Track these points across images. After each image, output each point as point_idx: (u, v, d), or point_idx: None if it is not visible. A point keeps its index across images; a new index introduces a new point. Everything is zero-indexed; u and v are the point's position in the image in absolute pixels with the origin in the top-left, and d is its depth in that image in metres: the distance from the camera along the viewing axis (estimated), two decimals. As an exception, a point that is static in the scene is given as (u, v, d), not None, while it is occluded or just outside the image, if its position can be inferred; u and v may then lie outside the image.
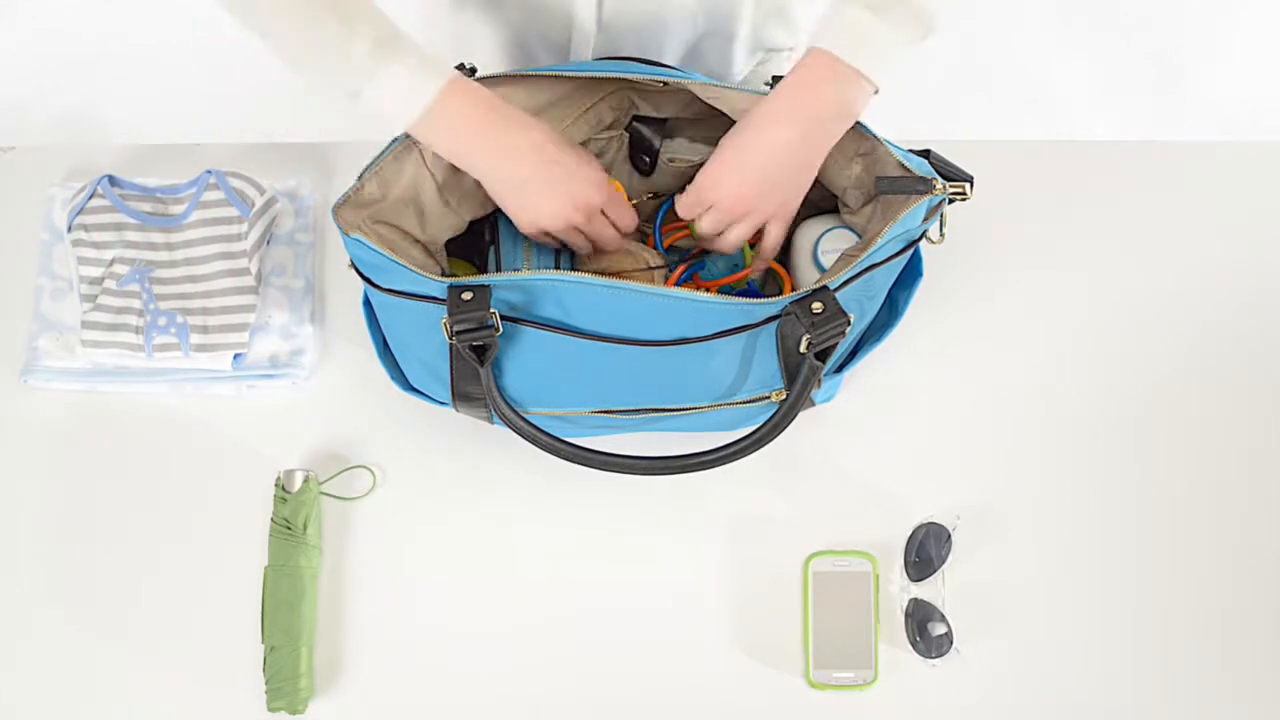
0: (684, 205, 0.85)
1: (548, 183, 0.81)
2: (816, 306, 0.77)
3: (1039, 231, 1.02)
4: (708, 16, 0.94)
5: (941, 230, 0.84)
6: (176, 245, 0.99)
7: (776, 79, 0.84)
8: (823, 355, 0.79)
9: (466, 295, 0.77)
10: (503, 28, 0.97)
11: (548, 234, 0.84)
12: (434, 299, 0.79)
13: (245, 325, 0.96)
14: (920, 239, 0.85)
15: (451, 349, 0.82)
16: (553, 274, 0.78)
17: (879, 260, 0.82)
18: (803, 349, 0.78)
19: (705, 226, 0.84)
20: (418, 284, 0.79)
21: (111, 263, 0.97)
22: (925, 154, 0.84)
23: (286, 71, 0.76)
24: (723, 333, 0.79)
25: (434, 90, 0.76)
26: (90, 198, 0.98)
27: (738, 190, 0.81)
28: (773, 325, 0.80)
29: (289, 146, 1.04)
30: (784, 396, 0.82)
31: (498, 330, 0.77)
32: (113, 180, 0.99)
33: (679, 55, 0.98)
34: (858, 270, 0.80)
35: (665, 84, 0.86)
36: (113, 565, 0.93)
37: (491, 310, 0.77)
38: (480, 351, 0.79)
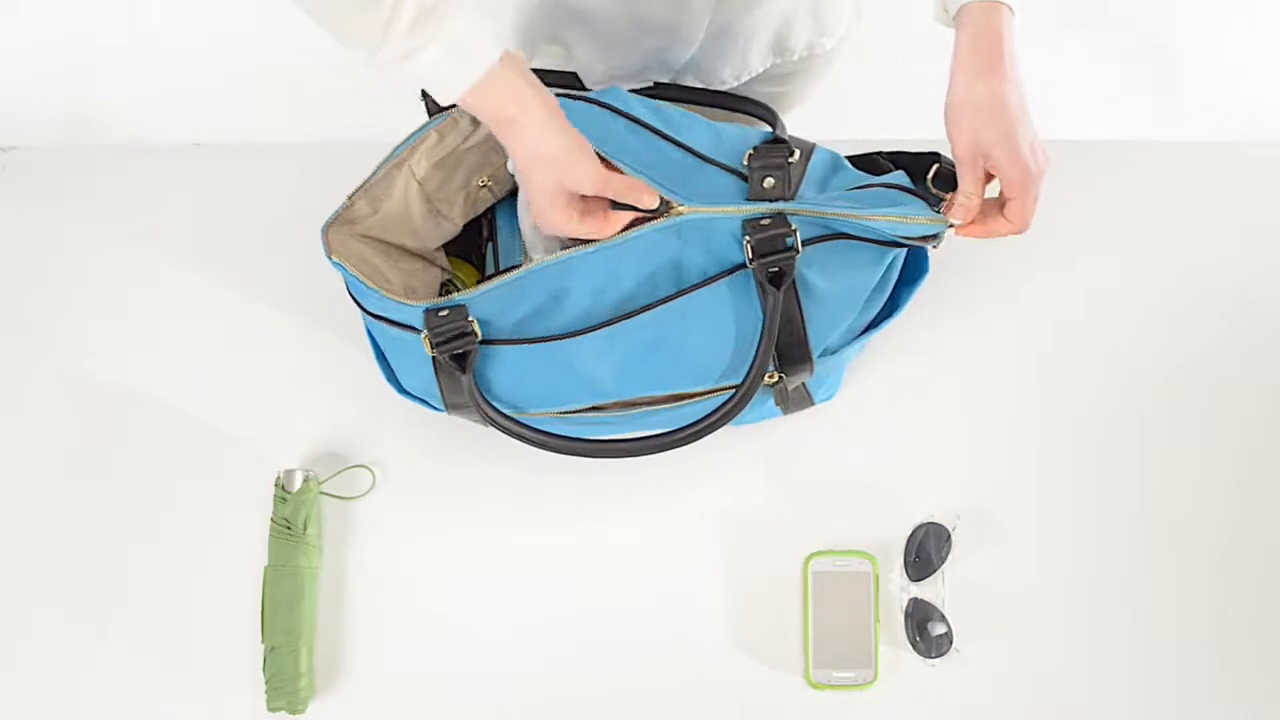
0: (1026, 202, 0.79)
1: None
2: (764, 221, 0.78)
3: (1039, 231, 1.01)
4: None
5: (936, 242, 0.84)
6: None
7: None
8: (776, 279, 0.79)
9: (443, 313, 0.79)
10: (600, 45, 0.96)
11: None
12: (414, 329, 0.81)
13: None
14: (906, 245, 0.84)
15: (435, 363, 0.82)
16: (517, 271, 0.79)
17: (851, 232, 0.81)
18: (748, 258, 0.78)
19: (1033, 204, 0.79)
20: (396, 311, 0.81)
21: None
22: (935, 157, 0.84)
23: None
24: (691, 287, 0.79)
25: (467, 81, 0.74)
26: None
27: (1033, 150, 0.78)
28: (742, 282, 0.80)
29: (293, 147, 1.05)
30: (775, 379, 0.82)
31: (476, 336, 0.79)
32: None
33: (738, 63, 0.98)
34: (825, 223, 0.80)
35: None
36: (112, 565, 0.93)
37: (470, 319, 0.78)
38: (461, 360, 0.80)
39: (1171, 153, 1.05)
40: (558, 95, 0.79)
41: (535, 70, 0.80)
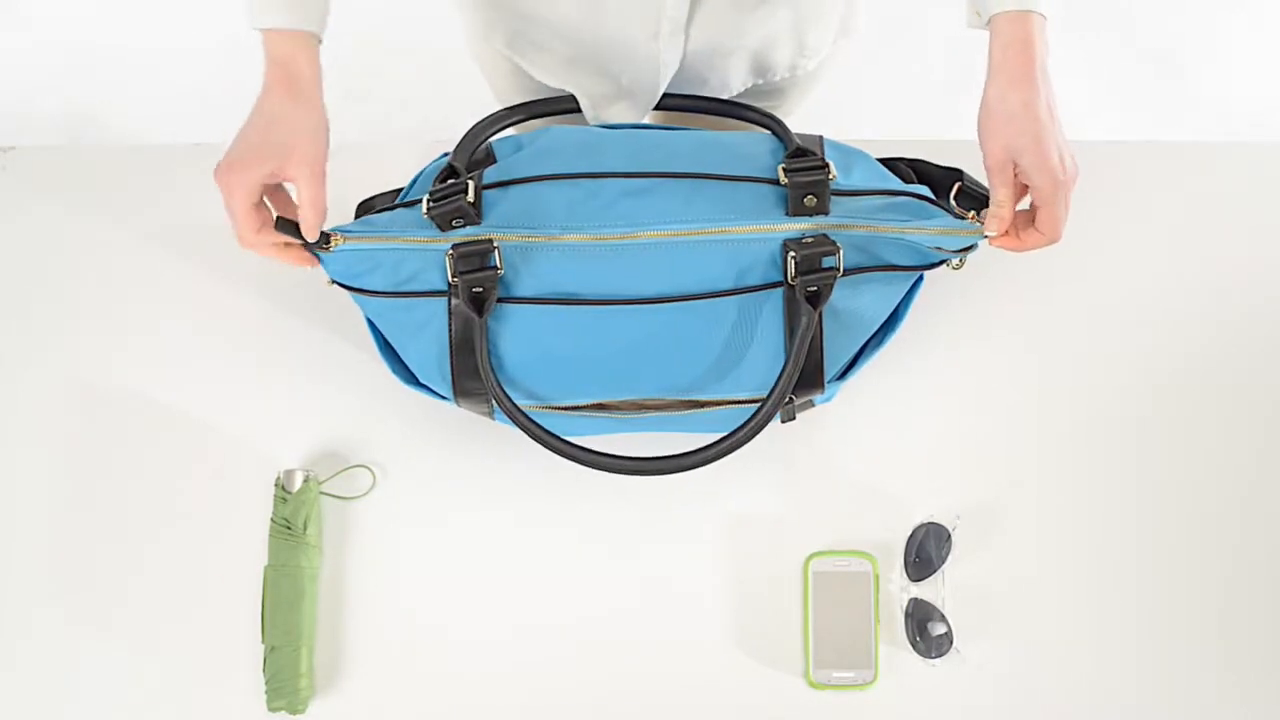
0: (1056, 210, 0.77)
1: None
2: (808, 239, 0.78)
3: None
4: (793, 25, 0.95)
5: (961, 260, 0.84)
6: None
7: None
8: (813, 298, 0.79)
9: (470, 245, 0.79)
10: (576, 89, 0.97)
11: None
12: (430, 293, 0.80)
13: None
14: (929, 266, 0.85)
15: (451, 341, 0.82)
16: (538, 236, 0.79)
17: (889, 257, 0.81)
18: (789, 276, 0.78)
19: (1063, 213, 0.78)
20: (415, 270, 0.80)
21: None
22: (959, 175, 0.84)
23: None
24: (710, 294, 0.79)
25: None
26: None
27: (1062, 158, 0.77)
28: (770, 302, 0.80)
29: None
30: (785, 400, 0.81)
31: (499, 268, 0.78)
32: None
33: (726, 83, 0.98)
34: (864, 247, 0.80)
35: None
36: (112, 565, 0.93)
37: (495, 245, 0.78)
38: (479, 302, 0.79)
39: (1174, 153, 1.05)
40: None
41: (538, 101, 0.82)
